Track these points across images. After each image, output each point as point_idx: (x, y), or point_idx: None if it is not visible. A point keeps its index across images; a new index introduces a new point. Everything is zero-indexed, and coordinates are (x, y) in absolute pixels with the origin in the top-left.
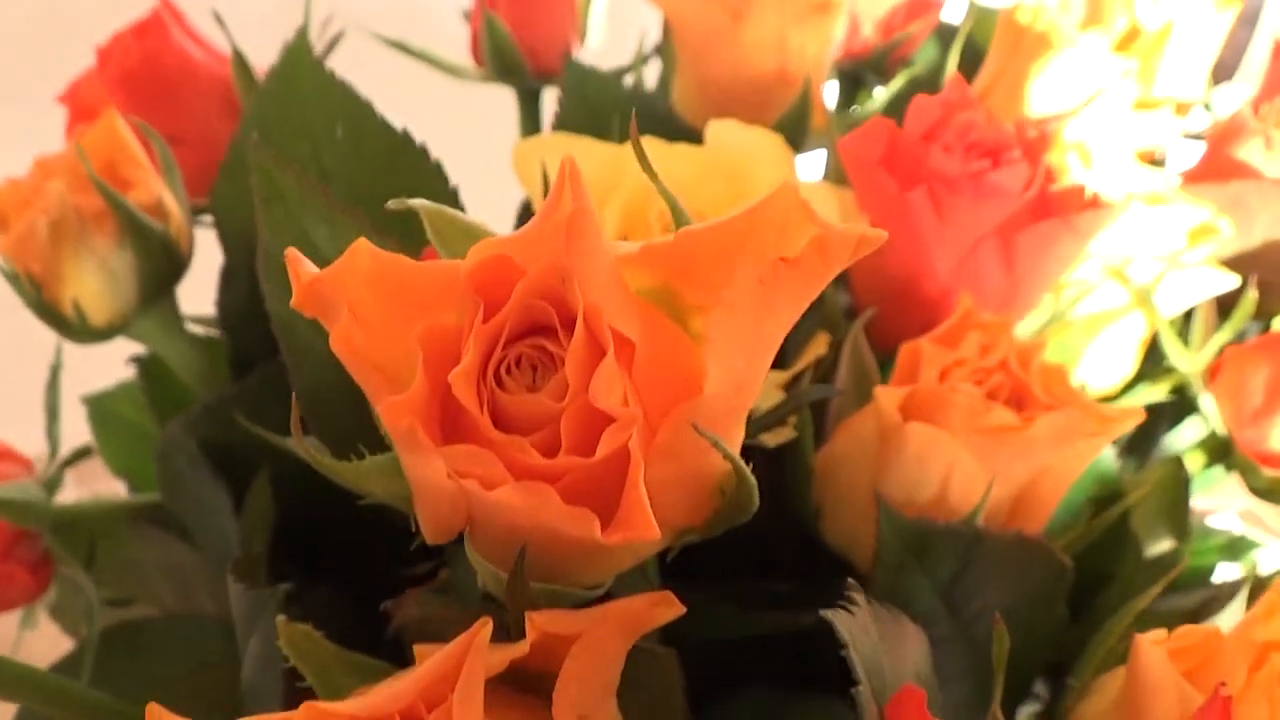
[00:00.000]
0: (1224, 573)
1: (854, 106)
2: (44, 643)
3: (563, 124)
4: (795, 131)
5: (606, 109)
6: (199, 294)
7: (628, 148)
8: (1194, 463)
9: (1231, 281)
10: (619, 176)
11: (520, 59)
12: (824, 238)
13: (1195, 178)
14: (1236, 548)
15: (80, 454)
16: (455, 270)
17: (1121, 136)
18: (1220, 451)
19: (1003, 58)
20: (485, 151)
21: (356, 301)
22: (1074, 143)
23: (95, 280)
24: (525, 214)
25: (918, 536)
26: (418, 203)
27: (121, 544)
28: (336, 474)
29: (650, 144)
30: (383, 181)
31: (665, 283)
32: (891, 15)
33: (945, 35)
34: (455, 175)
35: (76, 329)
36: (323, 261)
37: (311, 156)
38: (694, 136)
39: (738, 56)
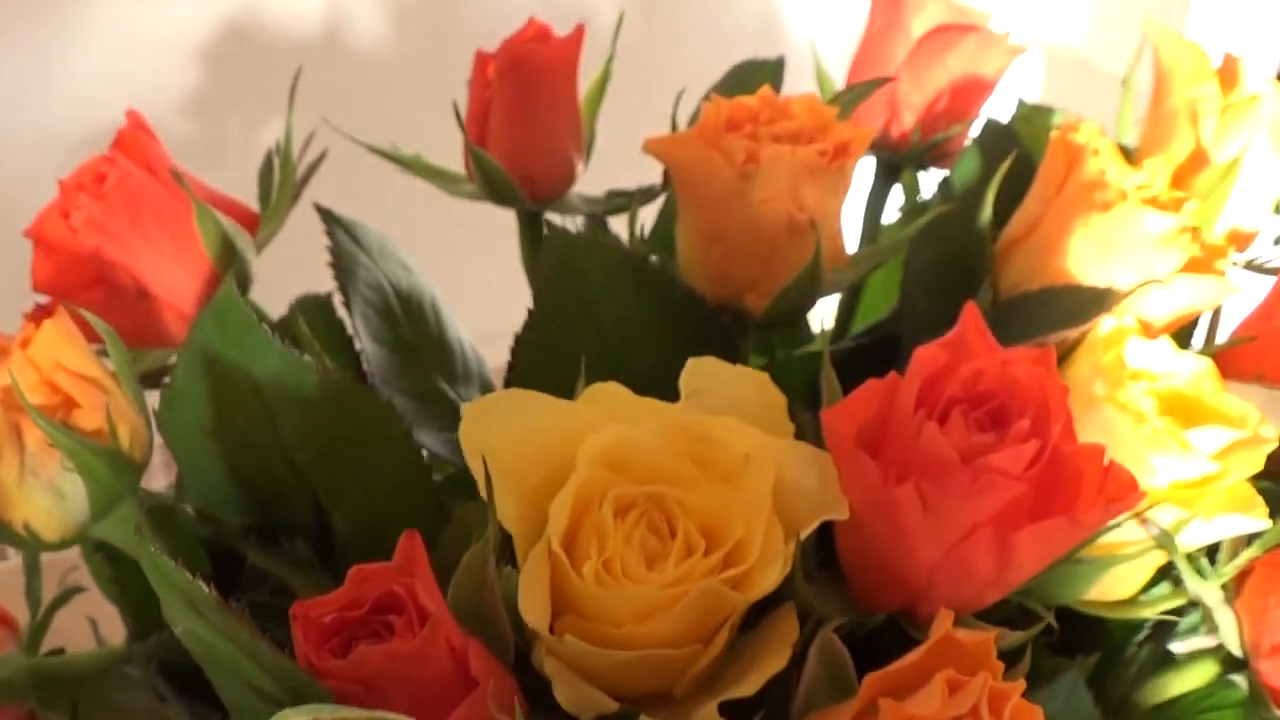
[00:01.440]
0: None
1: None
2: None
3: (543, 309)
4: (806, 293)
5: (595, 282)
6: None
7: (587, 409)
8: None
9: (1262, 524)
10: (576, 445)
11: (513, 188)
12: None
13: (1256, 325)
14: None
15: (69, 594)
16: None
17: (1166, 305)
18: (1233, 666)
19: (1049, 192)
20: None
21: None
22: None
23: (44, 501)
24: (464, 477)
25: None
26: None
27: (108, 692)
28: None
29: (606, 397)
30: (331, 427)
31: None
32: (934, 101)
33: (989, 140)
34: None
35: (31, 545)
36: None
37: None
38: (694, 302)
39: (746, 212)
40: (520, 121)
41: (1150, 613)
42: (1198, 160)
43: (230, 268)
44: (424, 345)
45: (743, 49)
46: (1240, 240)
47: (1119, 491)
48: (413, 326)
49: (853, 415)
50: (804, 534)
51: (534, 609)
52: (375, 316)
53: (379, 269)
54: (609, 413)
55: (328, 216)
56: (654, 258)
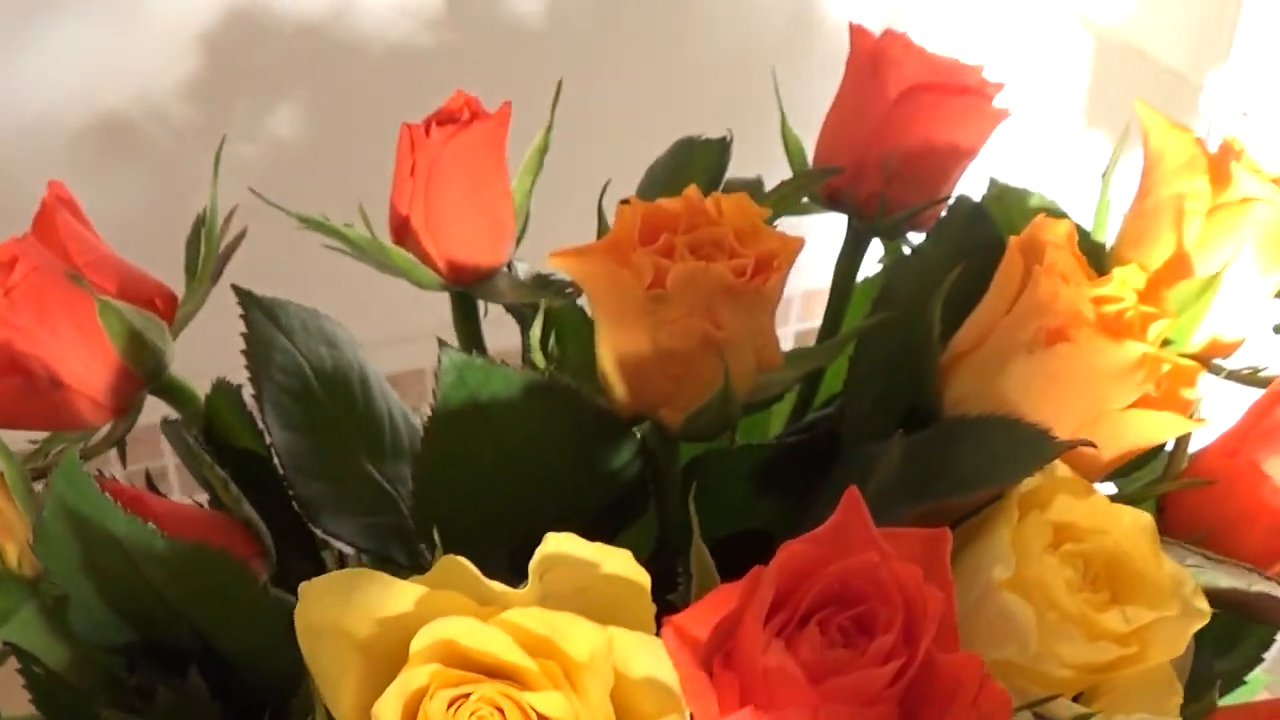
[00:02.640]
0: None
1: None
2: None
3: (441, 429)
4: (720, 414)
5: (495, 403)
6: None
7: (429, 593)
8: None
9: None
10: (414, 631)
11: (435, 276)
12: None
13: (1216, 460)
14: None
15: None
16: None
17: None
18: None
19: (1001, 305)
20: None
21: None
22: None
23: None
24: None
25: None
26: None
27: None
28: None
29: (453, 576)
30: (188, 581)
31: None
32: (906, 167)
33: (955, 221)
34: None
35: None
36: None
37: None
38: (603, 419)
39: (657, 331)
40: (441, 203)
41: None
42: (1178, 266)
43: (141, 359)
44: (346, 424)
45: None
46: (1221, 350)
47: (992, 709)
48: (335, 405)
49: (703, 620)
50: None
51: None
52: (290, 401)
53: (298, 350)
54: (450, 600)
55: (246, 299)
56: (552, 375)
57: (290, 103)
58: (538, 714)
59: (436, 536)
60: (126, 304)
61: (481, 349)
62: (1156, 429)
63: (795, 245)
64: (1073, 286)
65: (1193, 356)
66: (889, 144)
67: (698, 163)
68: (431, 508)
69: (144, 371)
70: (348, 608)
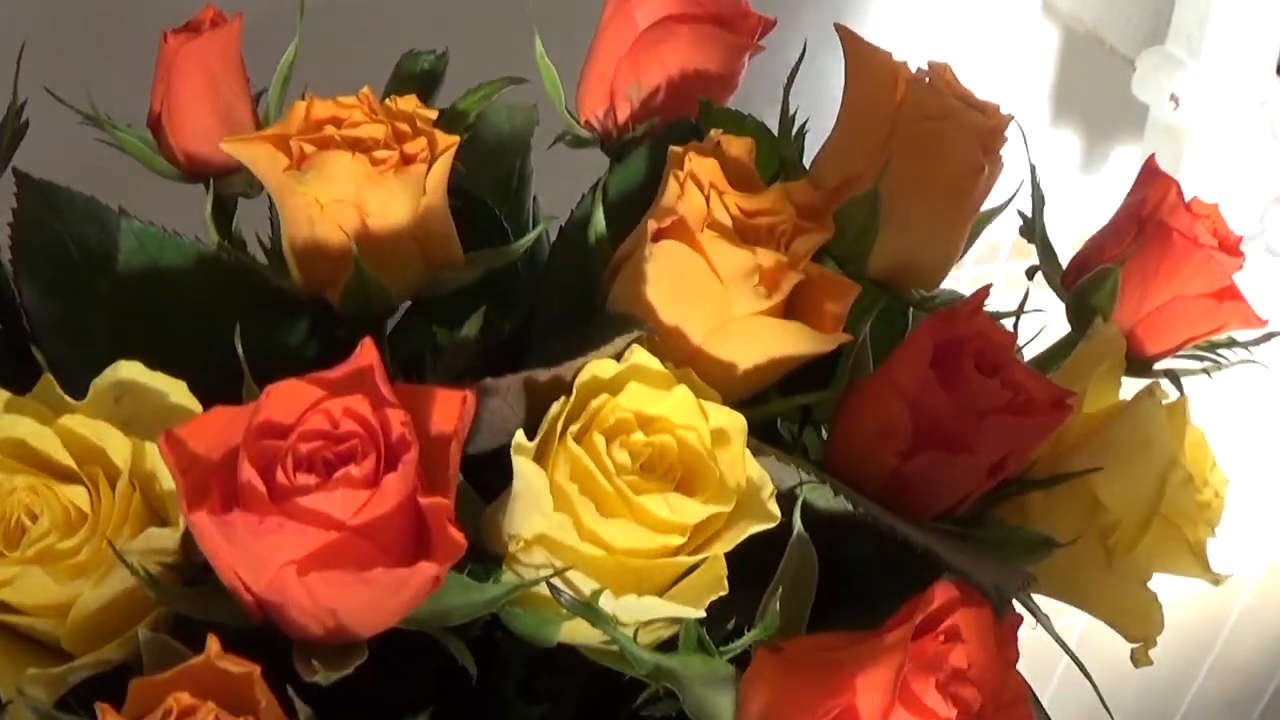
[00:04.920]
0: None
1: None
2: None
3: (122, 294)
4: (362, 302)
5: (174, 270)
6: None
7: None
8: None
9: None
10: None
11: (170, 166)
12: None
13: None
14: None
15: None
16: None
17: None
18: None
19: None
20: None
21: None
22: None
23: None
24: None
25: None
26: None
27: None
28: None
29: (47, 390)
30: None
31: None
32: (651, 95)
33: (664, 141)
34: None
35: None
36: None
37: None
38: (273, 295)
39: (309, 212)
40: (177, 100)
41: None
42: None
43: None
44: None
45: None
46: (919, 277)
47: (446, 552)
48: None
49: (202, 434)
50: None
51: None
52: (48, 267)
53: (65, 229)
54: (29, 405)
55: (22, 180)
56: (224, 249)
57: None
58: (69, 503)
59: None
60: None
61: (229, 236)
62: (787, 339)
63: (450, 143)
64: (710, 193)
65: (881, 279)
66: (637, 75)
67: (414, 72)
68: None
69: None
70: None
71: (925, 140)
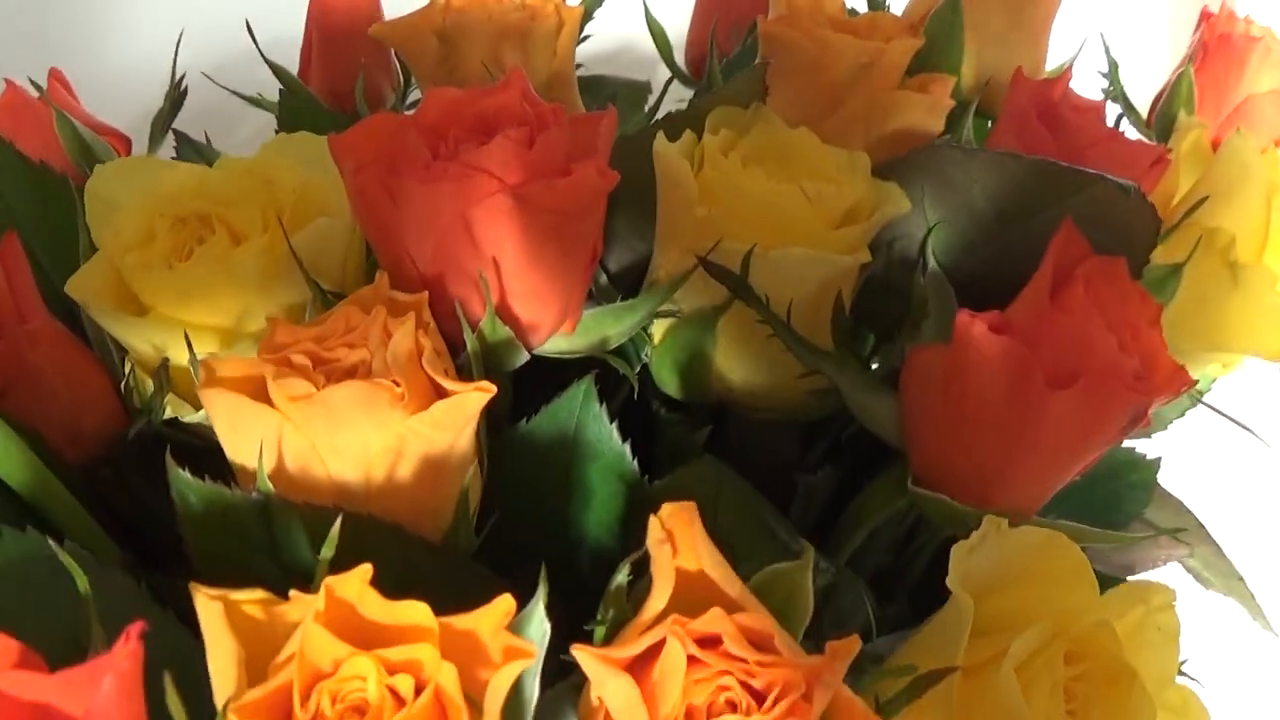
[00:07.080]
0: None
1: None
2: None
3: None
4: None
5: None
6: None
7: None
8: None
9: None
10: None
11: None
12: None
13: None
14: None
15: None
16: None
17: None
18: None
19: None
20: None
21: None
22: None
23: None
24: None
25: None
26: None
27: None
28: None
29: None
30: None
31: None
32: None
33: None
34: None
35: None
36: None
37: None
38: None
39: (457, 79)
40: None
41: None
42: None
43: None
44: None
45: None
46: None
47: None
48: None
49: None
50: None
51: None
52: None
53: None
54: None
55: (182, 140)
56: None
57: None
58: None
59: None
60: None
61: None
62: (911, 108)
63: (576, 12)
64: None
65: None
66: (733, 20)
67: None
68: None
69: None
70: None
71: None
